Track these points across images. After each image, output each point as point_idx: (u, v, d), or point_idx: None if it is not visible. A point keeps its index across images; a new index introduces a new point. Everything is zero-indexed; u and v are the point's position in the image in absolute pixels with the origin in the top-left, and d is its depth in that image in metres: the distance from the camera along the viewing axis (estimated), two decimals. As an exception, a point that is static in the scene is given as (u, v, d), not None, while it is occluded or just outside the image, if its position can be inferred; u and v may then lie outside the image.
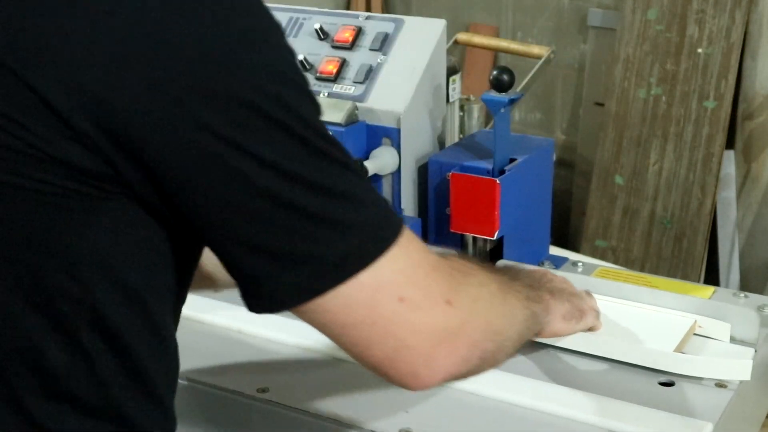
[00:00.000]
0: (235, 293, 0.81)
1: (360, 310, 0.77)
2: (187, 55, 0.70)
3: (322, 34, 1.34)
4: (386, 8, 3.39)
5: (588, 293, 1.14)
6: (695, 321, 1.14)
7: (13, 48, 0.69)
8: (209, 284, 1.06)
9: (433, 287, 0.79)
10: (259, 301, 0.77)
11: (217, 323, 1.19)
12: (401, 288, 0.77)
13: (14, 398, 0.76)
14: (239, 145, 0.71)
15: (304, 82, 0.76)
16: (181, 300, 0.84)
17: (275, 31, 0.75)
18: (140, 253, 0.76)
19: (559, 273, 1.27)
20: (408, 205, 1.29)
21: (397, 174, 1.27)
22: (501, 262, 1.26)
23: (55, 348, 0.75)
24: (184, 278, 0.83)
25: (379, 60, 1.30)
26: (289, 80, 0.74)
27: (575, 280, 1.22)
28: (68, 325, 0.75)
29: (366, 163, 1.22)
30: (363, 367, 0.82)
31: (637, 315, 1.16)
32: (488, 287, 0.87)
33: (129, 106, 0.69)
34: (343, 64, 1.31)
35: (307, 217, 0.73)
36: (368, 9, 3.33)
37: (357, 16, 1.36)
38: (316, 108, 0.77)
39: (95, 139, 0.70)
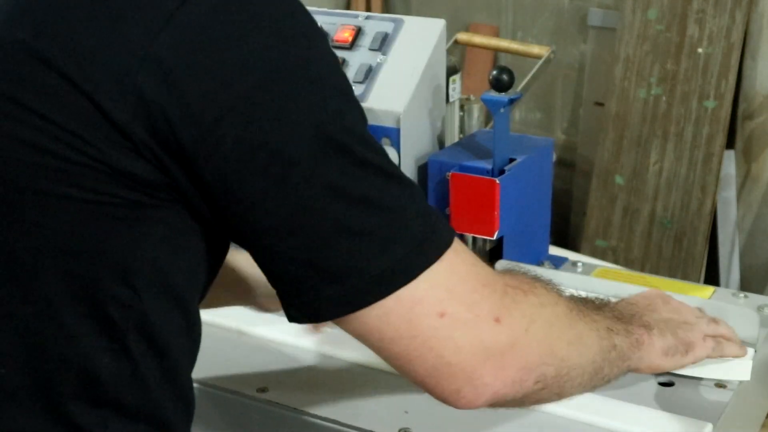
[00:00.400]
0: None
1: (398, 324, 0.75)
2: (239, 68, 0.70)
3: (322, 34, 1.34)
4: (386, 8, 3.39)
5: (713, 320, 1.07)
6: None
7: (74, 60, 0.70)
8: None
9: (479, 303, 0.77)
10: (298, 311, 0.77)
11: (217, 323, 1.19)
12: (442, 303, 0.75)
13: (57, 405, 0.76)
14: (285, 157, 0.71)
15: (349, 88, 0.76)
16: (203, 299, 0.85)
17: (322, 41, 0.75)
18: (185, 257, 0.77)
19: (561, 273, 1.27)
20: (408, 205, 1.29)
21: (396, 174, 1.27)
22: (501, 263, 1.26)
23: (103, 354, 0.76)
24: (213, 279, 0.84)
25: (378, 60, 1.30)
26: (336, 89, 0.74)
27: (575, 280, 1.22)
28: (117, 330, 0.75)
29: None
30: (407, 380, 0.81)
31: None
32: (552, 308, 0.83)
33: (183, 116, 0.69)
34: (343, 63, 1.31)
35: (348, 231, 0.73)
36: (368, 9, 3.33)
37: (356, 16, 1.36)
38: (362, 116, 0.77)
39: (152, 149, 0.70)
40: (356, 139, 0.74)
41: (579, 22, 3.01)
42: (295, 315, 0.78)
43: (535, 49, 1.90)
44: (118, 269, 0.74)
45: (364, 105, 1.26)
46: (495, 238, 1.23)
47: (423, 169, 1.30)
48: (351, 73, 1.30)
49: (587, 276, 1.28)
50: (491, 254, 1.30)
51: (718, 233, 2.71)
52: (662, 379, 1.06)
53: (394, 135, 1.26)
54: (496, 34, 3.15)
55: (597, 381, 0.90)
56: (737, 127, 2.66)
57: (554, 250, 1.43)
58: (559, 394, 0.86)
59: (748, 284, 2.71)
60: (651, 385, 1.05)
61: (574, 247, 2.81)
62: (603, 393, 1.03)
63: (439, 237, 0.77)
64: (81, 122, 0.70)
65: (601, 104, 2.90)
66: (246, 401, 1.04)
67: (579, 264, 1.35)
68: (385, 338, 0.76)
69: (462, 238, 1.29)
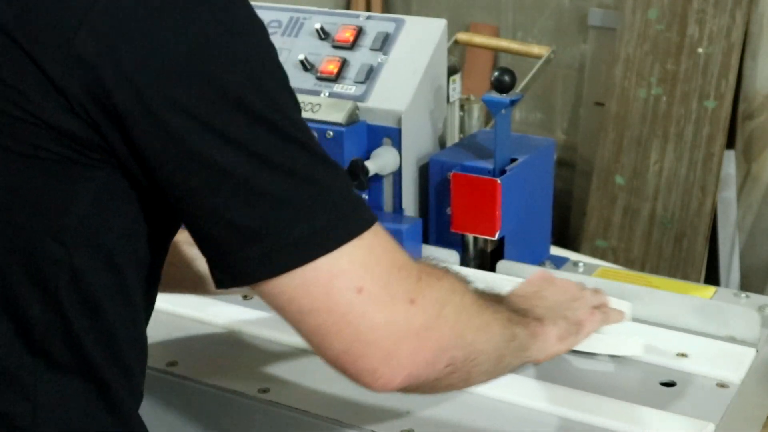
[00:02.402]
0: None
1: (316, 295, 0.78)
2: (172, 35, 0.74)
3: (323, 34, 1.34)
4: (386, 8, 3.39)
5: (595, 291, 1.13)
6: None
7: (18, 20, 0.74)
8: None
9: (395, 284, 0.80)
10: (222, 273, 0.79)
11: (217, 323, 1.19)
12: (360, 279, 0.78)
13: None
14: (208, 124, 0.75)
15: (282, 73, 0.80)
16: (155, 278, 0.87)
17: (255, 23, 0.79)
18: (120, 221, 0.80)
19: (560, 273, 1.27)
20: (409, 205, 1.29)
21: (397, 174, 1.27)
22: (500, 263, 1.26)
23: (35, 303, 0.79)
24: (159, 254, 0.86)
25: (379, 60, 1.30)
26: (266, 69, 0.78)
27: (575, 280, 1.22)
28: (48, 283, 0.79)
29: (367, 163, 1.22)
30: (326, 363, 0.82)
31: None
32: (461, 296, 0.86)
33: (116, 78, 0.73)
34: (344, 63, 1.31)
35: (270, 196, 0.76)
36: (368, 9, 3.33)
37: (357, 16, 1.36)
38: (293, 99, 0.81)
39: (86, 108, 0.74)
40: (283, 117, 0.78)
41: (579, 22, 3.01)
42: (220, 277, 0.80)
43: (535, 49, 1.90)
44: (49, 224, 0.77)
45: (366, 105, 1.27)
46: (496, 238, 1.23)
47: (424, 169, 1.30)
48: (352, 73, 1.30)
49: (588, 276, 1.28)
50: (492, 254, 1.30)
51: (718, 233, 2.71)
52: (664, 379, 1.06)
53: (395, 135, 1.26)
54: (496, 34, 3.15)
55: (500, 369, 0.94)
56: (737, 127, 2.66)
57: (554, 250, 1.43)
58: (466, 380, 0.89)
59: (748, 284, 2.71)
60: (652, 385, 1.06)
61: (574, 247, 2.81)
62: (603, 393, 1.03)
63: (359, 217, 0.80)
64: (20, 78, 0.74)
65: (601, 104, 2.90)
66: (247, 402, 1.04)
67: (580, 264, 1.35)
68: (304, 309, 0.78)
69: (463, 238, 1.29)
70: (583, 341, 1.07)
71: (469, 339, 0.86)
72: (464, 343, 0.85)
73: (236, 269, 0.78)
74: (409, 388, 0.84)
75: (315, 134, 0.82)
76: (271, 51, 0.79)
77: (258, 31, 0.79)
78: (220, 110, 0.75)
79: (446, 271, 0.88)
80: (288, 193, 0.76)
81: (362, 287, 0.78)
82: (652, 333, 1.15)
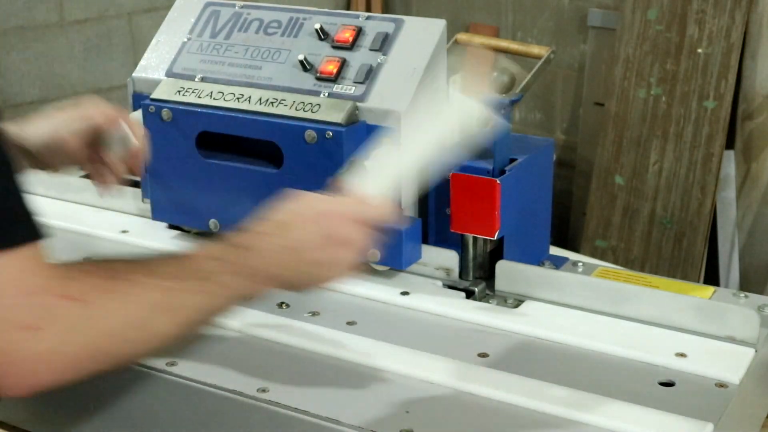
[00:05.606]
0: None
1: None
2: None
3: (323, 34, 1.34)
4: (386, 8, 3.39)
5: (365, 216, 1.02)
6: None
7: None
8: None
9: (11, 312, 0.84)
10: None
11: (217, 323, 1.19)
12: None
13: None
14: None
15: None
16: None
17: None
18: None
19: (559, 274, 1.27)
20: (408, 205, 1.29)
21: (397, 174, 1.27)
22: (500, 263, 1.26)
23: None
24: None
25: (379, 60, 1.30)
26: None
27: (574, 280, 1.23)
28: None
29: (366, 163, 1.22)
30: None
31: None
32: (136, 302, 0.90)
33: None
34: (344, 64, 1.31)
35: None
36: (368, 9, 3.33)
37: (357, 16, 1.36)
38: None
39: None
40: None
41: (579, 22, 3.01)
42: None
43: (535, 49, 1.90)
44: None
45: (365, 105, 1.27)
46: (496, 238, 1.23)
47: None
48: (352, 73, 1.30)
49: (588, 276, 1.28)
50: (492, 254, 1.30)
51: (718, 233, 2.72)
52: (663, 379, 1.06)
53: (395, 135, 1.26)
54: (496, 34, 3.16)
55: (203, 322, 0.99)
56: (737, 127, 2.66)
57: (554, 250, 1.43)
58: (147, 352, 0.97)
59: (747, 284, 2.72)
60: (651, 384, 1.06)
61: (574, 247, 2.82)
62: (603, 393, 1.03)
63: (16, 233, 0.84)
64: None
65: (601, 104, 2.90)
66: (247, 401, 1.04)
67: (579, 264, 1.35)
68: None
69: (462, 238, 1.29)
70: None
71: (132, 336, 0.91)
72: (100, 353, 0.89)
73: None
74: (61, 385, 0.88)
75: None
76: None
77: None
78: None
79: (131, 273, 0.92)
80: None
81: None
82: (651, 333, 1.15)
